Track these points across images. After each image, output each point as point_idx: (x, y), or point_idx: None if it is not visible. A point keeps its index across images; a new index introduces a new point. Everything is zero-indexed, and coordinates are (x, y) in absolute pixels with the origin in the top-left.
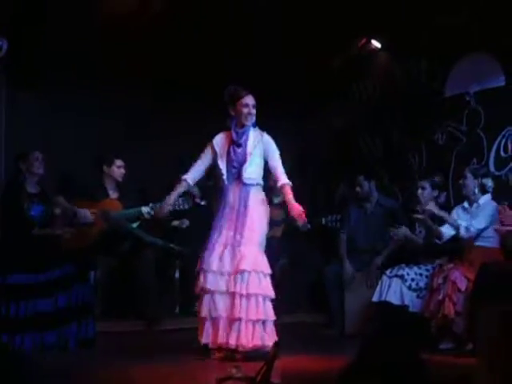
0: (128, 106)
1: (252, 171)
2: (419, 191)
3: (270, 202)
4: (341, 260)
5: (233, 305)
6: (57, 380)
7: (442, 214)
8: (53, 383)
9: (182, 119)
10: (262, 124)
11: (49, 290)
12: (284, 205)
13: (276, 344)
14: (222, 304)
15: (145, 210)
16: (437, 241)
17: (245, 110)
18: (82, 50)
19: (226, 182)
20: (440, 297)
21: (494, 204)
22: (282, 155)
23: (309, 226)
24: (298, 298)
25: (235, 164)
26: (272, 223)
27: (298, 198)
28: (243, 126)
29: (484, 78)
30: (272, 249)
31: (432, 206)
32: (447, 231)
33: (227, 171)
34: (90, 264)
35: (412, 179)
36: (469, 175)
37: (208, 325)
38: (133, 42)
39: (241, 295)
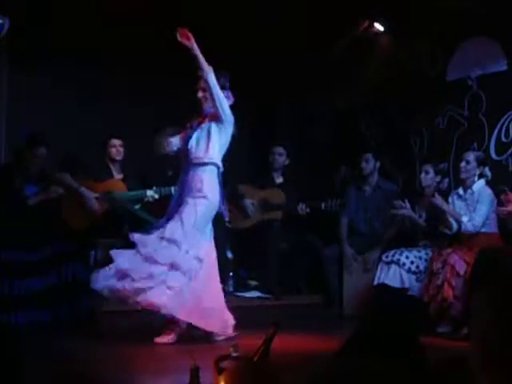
0: (133, 86)
1: (199, 150)
2: (422, 175)
3: (272, 184)
4: (340, 242)
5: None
6: (50, 357)
7: (446, 208)
8: (43, 361)
9: (189, 101)
10: (261, 107)
11: (41, 268)
12: (284, 187)
13: (275, 324)
14: None
15: (149, 193)
16: (447, 231)
17: (197, 95)
18: (85, 30)
19: (182, 162)
20: (439, 281)
21: (489, 190)
22: (282, 139)
23: (308, 210)
24: (298, 279)
25: (186, 143)
26: (272, 206)
27: (299, 182)
28: (203, 110)
29: (486, 62)
30: (272, 232)
31: (439, 200)
32: (456, 224)
33: (182, 151)
34: (90, 243)
35: (413, 163)
36: (473, 161)
37: None
38: (137, 20)
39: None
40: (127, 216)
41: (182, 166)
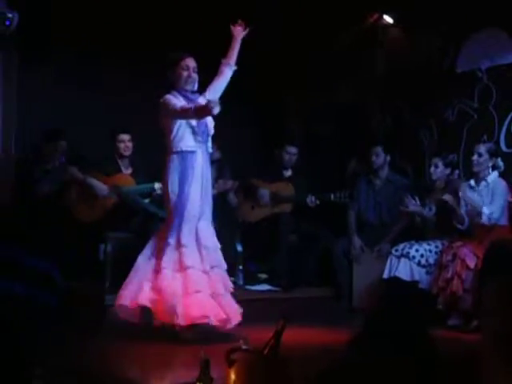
0: (140, 79)
1: (210, 141)
2: (432, 169)
3: (280, 177)
4: (349, 235)
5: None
6: (56, 353)
7: (456, 206)
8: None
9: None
10: (270, 100)
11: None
12: (293, 180)
13: (284, 317)
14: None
15: (157, 185)
16: (459, 226)
17: (184, 73)
18: (93, 23)
19: (195, 148)
20: (449, 274)
21: (504, 182)
22: (292, 131)
23: (317, 201)
24: (307, 272)
25: (203, 130)
26: (281, 199)
27: (308, 175)
28: (186, 91)
29: (496, 54)
30: (282, 224)
31: (448, 197)
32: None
33: (194, 138)
34: (99, 237)
35: (422, 156)
36: (485, 154)
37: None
38: (144, 12)
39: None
40: (136, 210)
41: (190, 150)
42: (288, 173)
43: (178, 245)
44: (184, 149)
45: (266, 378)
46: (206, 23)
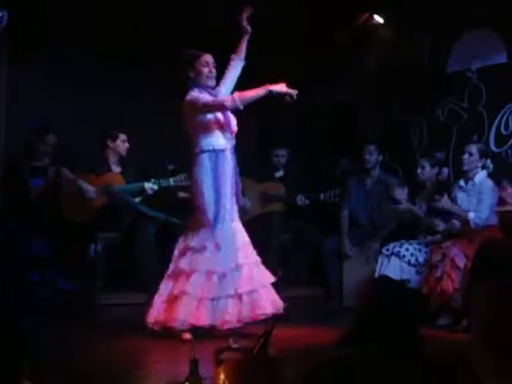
0: (130, 79)
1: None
2: (419, 170)
3: (270, 177)
4: (340, 234)
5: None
6: (50, 350)
7: (455, 209)
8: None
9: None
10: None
11: None
12: (284, 180)
13: (274, 316)
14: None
15: (147, 185)
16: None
17: (205, 70)
18: (82, 23)
19: (225, 146)
20: (438, 274)
21: (491, 181)
22: (282, 129)
23: (307, 201)
24: (298, 271)
25: (229, 127)
26: (271, 198)
27: (299, 175)
28: (207, 87)
29: (486, 54)
30: (272, 224)
31: (445, 203)
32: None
33: (223, 135)
34: (90, 237)
35: (413, 155)
36: (476, 153)
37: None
38: (133, 12)
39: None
40: (127, 210)
41: (221, 149)
42: (279, 173)
43: (215, 248)
44: (216, 147)
45: (256, 377)
46: (200, 23)
